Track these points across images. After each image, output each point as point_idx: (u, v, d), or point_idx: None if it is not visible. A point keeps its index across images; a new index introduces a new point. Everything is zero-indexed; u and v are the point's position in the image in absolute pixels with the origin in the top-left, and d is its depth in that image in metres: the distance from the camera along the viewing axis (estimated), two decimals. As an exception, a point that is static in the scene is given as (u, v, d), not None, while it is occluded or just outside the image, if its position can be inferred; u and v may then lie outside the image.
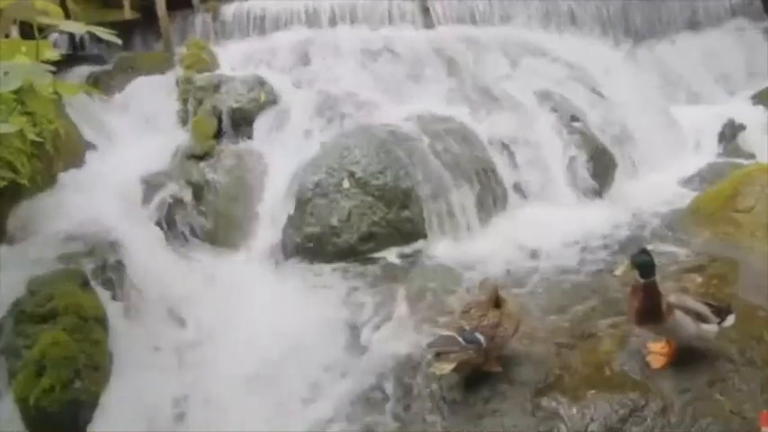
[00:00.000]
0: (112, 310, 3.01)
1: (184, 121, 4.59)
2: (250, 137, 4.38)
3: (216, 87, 4.54)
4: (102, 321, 2.91)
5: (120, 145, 4.34)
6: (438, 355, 2.36)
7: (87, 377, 2.73)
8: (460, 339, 2.36)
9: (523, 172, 4.17)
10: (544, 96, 4.55)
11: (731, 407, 2.22)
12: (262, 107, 4.44)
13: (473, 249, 3.63)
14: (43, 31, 1.77)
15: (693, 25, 6.50)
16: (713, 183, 3.90)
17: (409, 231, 3.67)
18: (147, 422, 2.77)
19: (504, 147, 4.21)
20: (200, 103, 4.52)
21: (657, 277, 2.29)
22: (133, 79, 4.88)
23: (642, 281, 2.27)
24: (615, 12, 6.21)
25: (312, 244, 3.63)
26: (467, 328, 2.39)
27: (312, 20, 5.61)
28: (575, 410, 2.28)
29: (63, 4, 4.52)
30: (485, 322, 2.40)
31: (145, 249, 3.45)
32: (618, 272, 2.35)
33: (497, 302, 2.47)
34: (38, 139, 3.26)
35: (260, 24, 5.62)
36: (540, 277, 3.28)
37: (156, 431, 2.74)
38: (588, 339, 2.61)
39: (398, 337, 2.89)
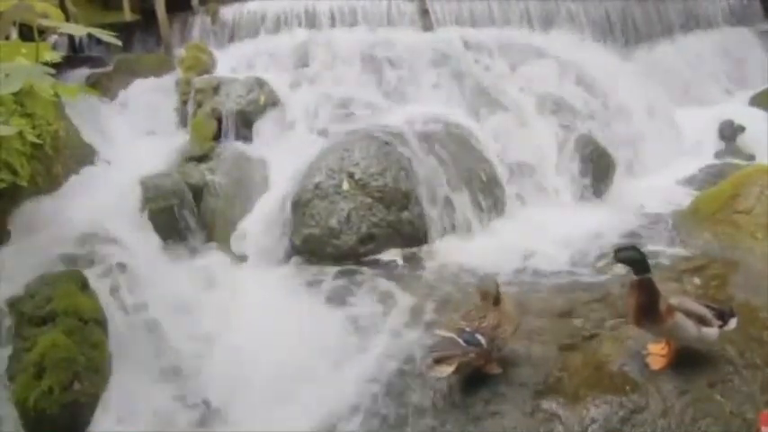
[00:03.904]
0: (112, 312, 3.00)
1: (184, 123, 4.59)
2: (249, 139, 4.38)
3: (215, 89, 4.55)
4: (101, 323, 2.91)
5: (119, 146, 4.34)
6: (437, 360, 2.36)
7: (87, 379, 2.72)
8: (461, 341, 2.36)
9: (523, 174, 4.18)
10: (543, 98, 4.56)
11: (731, 408, 2.22)
12: (261, 109, 4.44)
13: (472, 251, 3.63)
14: (43, 33, 1.77)
15: (692, 27, 6.52)
16: (713, 184, 3.90)
17: (409, 233, 3.67)
18: (147, 424, 2.77)
19: (504, 148, 4.21)
20: (199, 104, 4.52)
21: (656, 278, 2.29)
22: (133, 81, 4.87)
23: (636, 278, 2.27)
24: (614, 13, 6.22)
25: (311, 245, 3.63)
26: (467, 329, 2.39)
27: (311, 22, 5.61)
28: (574, 412, 2.28)
29: (63, 6, 4.52)
30: (485, 323, 2.40)
31: (144, 251, 3.45)
32: (600, 263, 2.37)
33: (496, 300, 2.46)
34: (37, 140, 3.26)
35: (259, 26, 5.62)
36: (539, 279, 3.28)
37: (155, 433, 2.74)
38: (588, 341, 2.61)
39: (398, 338, 2.89)
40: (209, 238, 3.89)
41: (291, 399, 2.77)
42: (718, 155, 4.88)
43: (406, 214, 3.67)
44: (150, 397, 2.86)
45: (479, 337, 2.37)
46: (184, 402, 2.87)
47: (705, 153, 4.87)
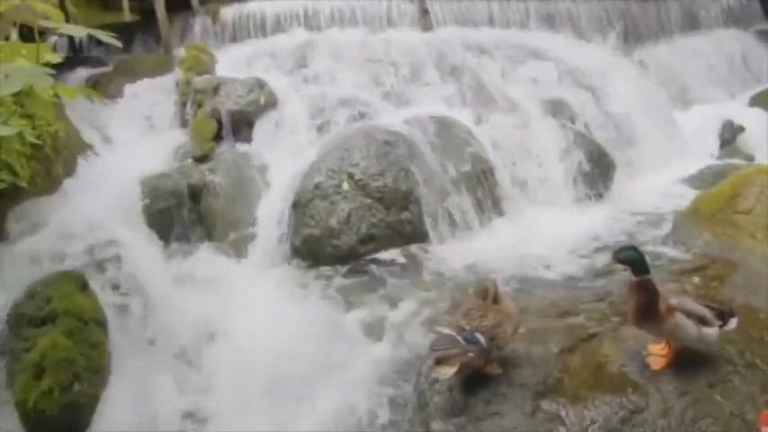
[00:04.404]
0: (112, 312, 3.00)
1: (184, 124, 4.60)
2: (249, 139, 4.38)
3: (215, 90, 4.55)
4: (101, 324, 2.91)
5: (119, 147, 4.35)
6: (439, 361, 2.35)
7: (86, 380, 2.72)
8: (460, 339, 2.36)
9: (523, 174, 4.18)
10: (543, 98, 4.56)
11: (731, 409, 2.22)
12: (261, 109, 4.44)
13: (472, 251, 3.63)
14: (43, 33, 1.78)
15: (692, 27, 6.53)
16: (713, 184, 3.90)
17: (409, 233, 3.67)
18: (147, 425, 2.77)
19: (504, 149, 4.21)
20: (199, 105, 4.52)
21: (656, 278, 2.29)
22: (133, 82, 4.89)
23: (635, 278, 2.27)
24: (614, 14, 6.23)
25: (311, 246, 3.63)
26: (466, 327, 2.39)
27: (311, 22, 5.62)
28: (575, 412, 2.28)
29: (63, 7, 4.52)
30: (485, 322, 2.40)
31: (144, 252, 3.45)
32: (599, 263, 2.36)
33: (495, 300, 2.46)
34: (37, 141, 3.26)
35: (259, 27, 5.63)
36: (539, 279, 3.28)
37: (155, 434, 2.74)
38: (588, 341, 2.61)
39: (398, 339, 2.89)
40: (209, 238, 3.89)
41: (291, 399, 2.77)
42: (718, 155, 4.88)
43: (405, 215, 3.67)
44: (150, 397, 2.86)
45: (479, 335, 2.36)
46: (184, 402, 2.87)
47: (705, 153, 4.87)
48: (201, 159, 4.19)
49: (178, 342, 3.12)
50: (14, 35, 2.79)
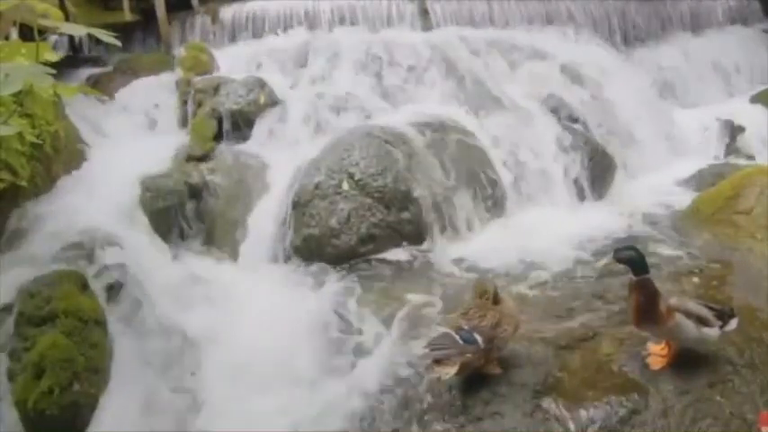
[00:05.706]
0: (112, 312, 3.00)
1: (184, 123, 4.59)
2: (249, 139, 4.38)
3: (215, 89, 4.54)
4: (101, 324, 2.91)
5: (119, 147, 4.34)
6: (438, 361, 2.35)
7: (86, 380, 2.72)
8: (458, 338, 2.36)
9: (523, 174, 4.18)
10: (543, 98, 4.56)
11: (731, 409, 2.22)
12: (261, 109, 4.44)
13: (473, 251, 3.64)
14: (43, 33, 1.77)
15: (693, 27, 6.51)
16: (712, 184, 3.90)
17: (409, 233, 3.67)
18: (146, 425, 2.76)
19: (504, 148, 4.22)
20: (199, 104, 4.52)
21: (656, 278, 2.30)
22: (133, 81, 4.88)
23: (635, 278, 2.27)
24: (614, 13, 6.21)
25: (311, 245, 3.63)
26: (465, 327, 2.39)
27: (311, 22, 5.60)
28: (574, 412, 2.28)
29: (63, 6, 4.52)
30: (484, 323, 2.40)
31: (144, 251, 3.45)
32: (599, 263, 2.37)
33: (495, 300, 2.46)
34: (37, 140, 3.26)
35: (259, 26, 5.61)
36: (539, 279, 3.28)
37: (155, 433, 2.74)
38: (588, 341, 2.61)
39: (398, 339, 2.89)
40: (209, 238, 3.89)
41: (291, 399, 2.77)
42: (717, 155, 4.88)
43: (405, 214, 3.67)
44: (150, 397, 2.86)
45: (477, 336, 2.36)
46: (184, 402, 2.87)
47: (705, 153, 4.87)
48: (201, 159, 4.19)
49: (178, 342, 3.11)
50: (14, 34, 2.79)
